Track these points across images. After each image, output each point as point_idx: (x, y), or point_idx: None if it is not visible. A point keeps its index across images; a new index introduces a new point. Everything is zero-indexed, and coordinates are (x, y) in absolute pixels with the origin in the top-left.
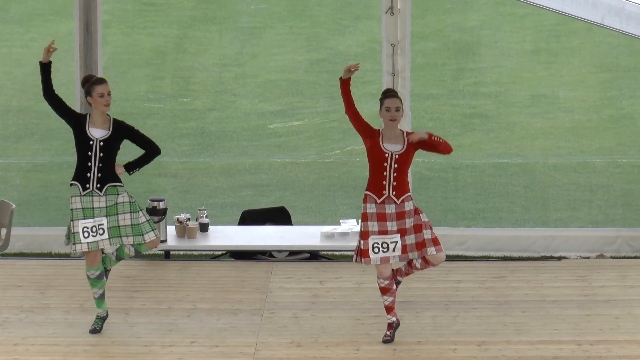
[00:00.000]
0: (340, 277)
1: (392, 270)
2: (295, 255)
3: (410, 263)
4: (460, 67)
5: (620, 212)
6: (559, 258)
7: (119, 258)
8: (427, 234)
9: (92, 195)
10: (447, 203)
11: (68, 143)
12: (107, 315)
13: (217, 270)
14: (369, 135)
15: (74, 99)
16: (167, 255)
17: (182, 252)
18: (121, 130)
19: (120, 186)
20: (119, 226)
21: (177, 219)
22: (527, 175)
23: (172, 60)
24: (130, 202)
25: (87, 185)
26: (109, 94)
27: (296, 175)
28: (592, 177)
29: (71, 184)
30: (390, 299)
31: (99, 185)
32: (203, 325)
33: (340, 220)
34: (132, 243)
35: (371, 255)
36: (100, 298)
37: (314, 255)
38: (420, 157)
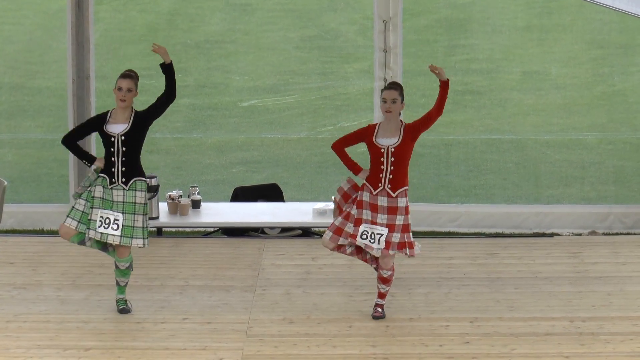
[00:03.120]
0: (332, 254)
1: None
2: (287, 232)
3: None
4: (452, 43)
5: (612, 189)
6: (551, 235)
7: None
8: (395, 236)
9: (113, 189)
10: (439, 180)
11: (60, 120)
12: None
13: (209, 247)
14: (362, 138)
15: (66, 76)
16: (159, 232)
17: (174, 229)
18: (140, 120)
19: (142, 181)
20: (133, 227)
21: (169, 195)
22: (519, 151)
23: (164, 37)
24: (144, 204)
25: (113, 180)
26: (128, 90)
27: (288, 151)
28: (584, 153)
29: (99, 176)
30: (354, 256)
31: (124, 180)
32: (195, 302)
33: (333, 197)
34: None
35: (358, 240)
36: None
37: (306, 232)
38: None
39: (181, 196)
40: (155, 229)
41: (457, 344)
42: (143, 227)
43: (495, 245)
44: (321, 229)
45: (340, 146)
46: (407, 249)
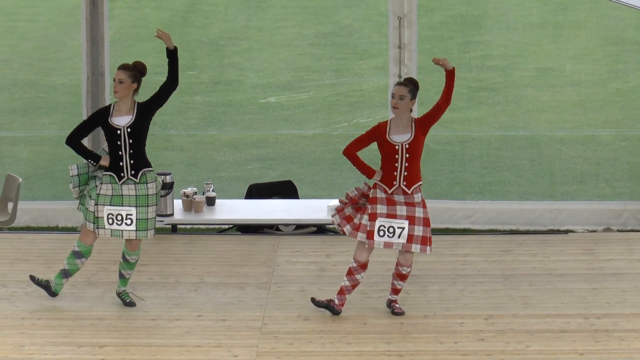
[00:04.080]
0: (347, 251)
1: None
2: (302, 228)
3: (393, 274)
4: (466, 40)
5: (627, 185)
6: (566, 231)
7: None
8: (418, 229)
9: (125, 184)
10: (454, 176)
11: (75, 117)
12: (49, 286)
13: (224, 244)
14: (375, 138)
15: (81, 73)
16: (174, 229)
17: (188, 226)
18: (143, 110)
19: (151, 171)
20: (147, 219)
21: (184, 192)
22: (534, 148)
23: (179, 34)
24: (155, 194)
25: (122, 174)
26: (119, 82)
27: (302, 148)
28: (599, 150)
29: (104, 174)
30: (347, 283)
31: (133, 172)
32: (210, 299)
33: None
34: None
35: (376, 238)
36: (63, 274)
37: (320, 229)
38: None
39: (196, 193)
40: (170, 226)
41: (472, 341)
42: (154, 217)
43: (510, 242)
44: (335, 226)
45: (352, 151)
46: (428, 245)
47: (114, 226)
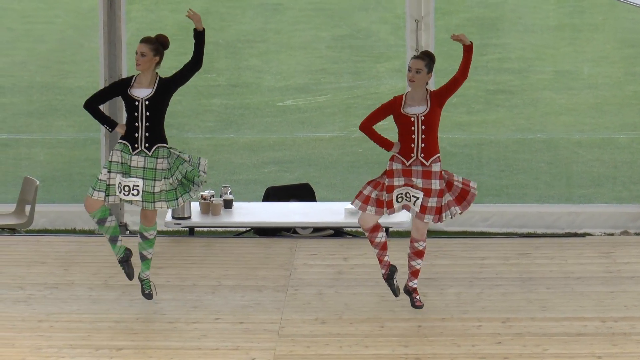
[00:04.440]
0: (364, 254)
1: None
2: (319, 231)
3: (408, 255)
4: (484, 42)
5: None
6: (583, 234)
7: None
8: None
9: (137, 155)
10: (471, 179)
11: (92, 120)
12: (124, 255)
13: (241, 247)
14: (390, 111)
15: (99, 75)
16: (191, 232)
17: (206, 229)
18: (164, 86)
19: (166, 148)
20: (153, 192)
21: (201, 195)
22: (551, 151)
23: None
24: (166, 169)
25: (136, 145)
26: (142, 55)
27: (320, 151)
28: (616, 153)
29: (119, 142)
30: (377, 250)
31: (147, 145)
32: (227, 302)
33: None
34: (167, 207)
35: (395, 205)
36: (111, 242)
37: (338, 232)
38: (444, 134)
39: (213, 196)
40: (187, 228)
41: (489, 344)
42: (167, 190)
43: (527, 245)
44: (353, 229)
45: (368, 124)
46: (443, 213)
47: (122, 195)
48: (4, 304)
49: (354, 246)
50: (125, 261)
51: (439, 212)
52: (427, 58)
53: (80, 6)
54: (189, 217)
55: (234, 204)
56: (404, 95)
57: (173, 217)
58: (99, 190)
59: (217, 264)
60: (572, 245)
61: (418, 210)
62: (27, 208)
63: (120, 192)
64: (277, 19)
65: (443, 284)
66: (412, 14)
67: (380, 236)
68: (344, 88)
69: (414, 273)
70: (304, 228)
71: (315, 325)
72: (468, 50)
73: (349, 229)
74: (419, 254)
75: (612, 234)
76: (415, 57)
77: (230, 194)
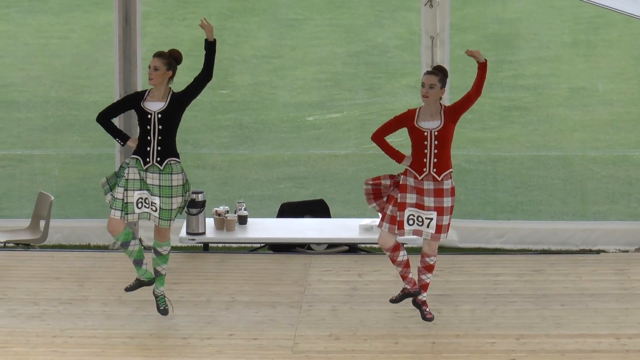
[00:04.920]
0: (378, 270)
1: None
2: (333, 248)
3: (418, 269)
4: (499, 59)
5: None
6: (598, 251)
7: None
8: (445, 219)
9: (147, 171)
10: (485, 196)
11: (107, 135)
12: (147, 281)
13: (256, 262)
14: (404, 123)
15: (114, 91)
16: (206, 247)
17: (220, 245)
18: (177, 99)
19: (178, 163)
20: (171, 210)
21: (216, 211)
22: (566, 168)
23: None
24: (181, 185)
25: (148, 159)
26: (155, 69)
27: (335, 167)
28: (631, 170)
29: (132, 157)
30: (399, 268)
31: (159, 159)
32: (241, 318)
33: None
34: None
35: (406, 227)
36: (136, 264)
37: (352, 248)
38: (459, 151)
39: (228, 212)
40: (202, 244)
41: None
42: (179, 207)
43: (542, 261)
44: (368, 245)
45: (380, 135)
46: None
47: (143, 209)
48: (18, 320)
49: (368, 262)
50: (145, 285)
51: (447, 229)
52: (441, 73)
53: (96, 21)
54: (204, 233)
55: (249, 219)
56: (417, 109)
57: (187, 233)
58: (115, 209)
59: (231, 280)
60: (587, 262)
61: (434, 232)
62: (42, 223)
63: (141, 207)
64: (293, 35)
65: (457, 300)
66: (428, 31)
67: (402, 255)
68: (359, 104)
69: (424, 287)
70: (318, 244)
71: (330, 342)
72: (482, 67)
73: (363, 245)
74: (429, 268)
75: (627, 251)
76: (428, 73)
77: (245, 209)
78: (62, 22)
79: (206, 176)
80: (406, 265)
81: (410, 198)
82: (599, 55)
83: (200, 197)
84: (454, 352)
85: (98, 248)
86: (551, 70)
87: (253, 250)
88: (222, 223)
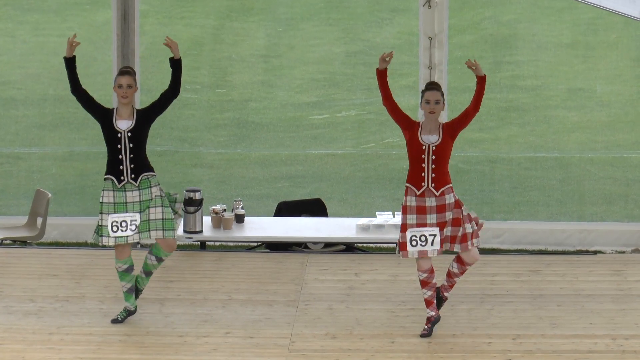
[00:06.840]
0: (375, 270)
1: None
2: (330, 247)
3: (449, 274)
4: (497, 60)
5: None
6: (595, 252)
7: (148, 273)
8: (467, 227)
9: (126, 190)
10: (483, 196)
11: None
12: (134, 310)
13: (253, 261)
14: (408, 127)
15: (111, 88)
16: (203, 246)
17: (217, 243)
18: (144, 116)
19: (153, 176)
20: (149, 220)
21: (213, 209)
22: (563, 169)
23: (209, 51)
24: (161, 196)
25: (122, 178)
26: (128, 87)
27: (332, 167)
28: (629, 171)
29: (105, 179)
30: (430, 292)
31: (133, 176)
32: (238, 316)
33: (376, 213)
34: (163, 237)
35: (409, 248)
36: (129, 292)
37: (349, 247)
38: (457, 151)
39: (225, 210)
40: (199, 242)
41: None
42: (172, 219)
43: (539, 262)
44: (364, 244)
45: (392, 98)
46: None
47: (119, 233)
48: (14, 317)
49: (365, 261)
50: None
51: (462, 240)
52: (440, 88)
53: (94, 19)
54: (201, 231)
55: (246, 218)
56: (420, 123)
57: (185, 231)
58: (102, 236)
59: (228, 278)
60: (583, 263)
61: (438, 247)
62: (39, 221)
63: (117, 231)
64: (291, 35)
65: (454, 300)
66: (426, 32)
67: (435, 278)
68: (357, 104)
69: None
70: (315, 243)
71: (326, 340)
72: (481, 82)
73: (360, 245)
74: (463, 273)
75: (624, 252)
76: (431, 89)
77: (242, 208)
78: (61, 20)
79: (203, 175)
80: (435, 289)
81: (411, 219)
82: (597, 57)
83: (197, 196)
84: (450, 352)
85: (95, 245)
86: (549, 72)
87: (250, 248)
88: (219, 221)
